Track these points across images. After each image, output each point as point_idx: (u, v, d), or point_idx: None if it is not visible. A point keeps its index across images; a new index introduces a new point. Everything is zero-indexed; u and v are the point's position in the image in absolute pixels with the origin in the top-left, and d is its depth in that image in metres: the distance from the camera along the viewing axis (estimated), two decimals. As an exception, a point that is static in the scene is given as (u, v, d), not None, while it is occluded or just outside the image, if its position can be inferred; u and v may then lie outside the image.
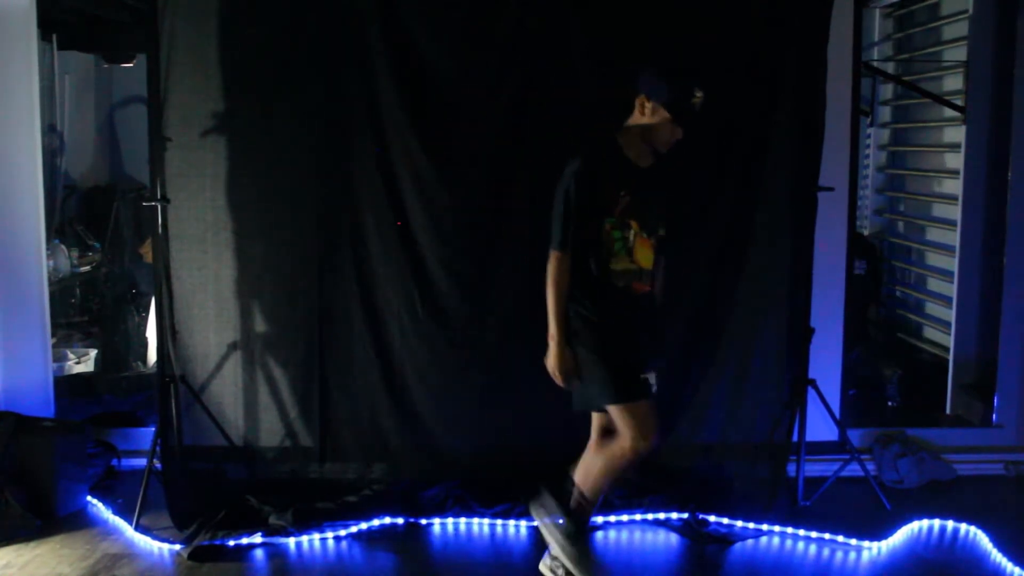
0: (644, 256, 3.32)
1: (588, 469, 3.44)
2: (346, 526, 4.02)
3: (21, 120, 4.49)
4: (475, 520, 4.13)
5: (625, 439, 3.29)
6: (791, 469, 4.34)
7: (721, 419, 4.39)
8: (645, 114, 3.30)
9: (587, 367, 3.34)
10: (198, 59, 4.16)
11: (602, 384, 3.31)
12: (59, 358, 5.64)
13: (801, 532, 4.03)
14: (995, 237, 5.02)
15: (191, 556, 3.80)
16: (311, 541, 3.96)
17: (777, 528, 4.05)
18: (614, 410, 3.32)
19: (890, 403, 5.49)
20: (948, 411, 5.24)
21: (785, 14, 4.18)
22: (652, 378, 3.37)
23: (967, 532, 4.07)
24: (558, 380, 3.37)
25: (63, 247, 6.04)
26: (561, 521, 3.44)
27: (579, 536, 3.44)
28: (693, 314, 4.36)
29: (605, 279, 3.29)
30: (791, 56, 4.20)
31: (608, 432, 3.43)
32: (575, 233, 3.25)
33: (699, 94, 3.25)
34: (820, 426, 4.37)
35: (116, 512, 4.19)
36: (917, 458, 4.57)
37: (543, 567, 3.54)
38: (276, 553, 3.89)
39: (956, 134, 5.40)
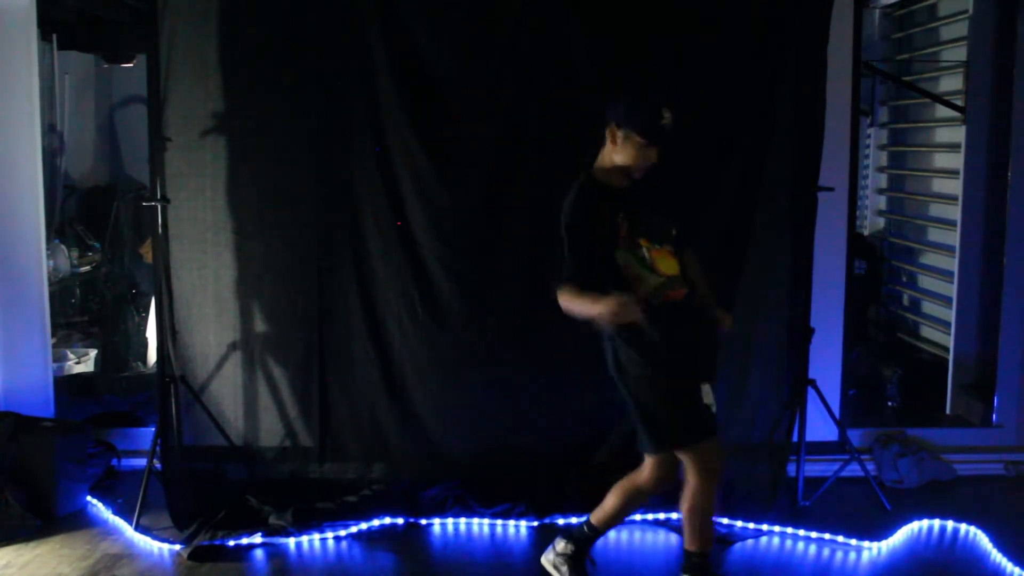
0: (667, 264, 3.26)
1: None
2: (346, 526, 4.02)
3: (21, 120, 4.50)
4: (475, 520, 4.13)
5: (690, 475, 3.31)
6: (791, 469, 4.34)
7: (721, 419, 4.33)
8: (617, 143, 3.25)
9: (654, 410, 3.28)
10: (198, 59, 4.17)
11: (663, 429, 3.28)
12: (59, 358, 5.64)
13: (801, 532, 4.03)
14: (995, 237, 5.02)
15: (191, 556, 3.80)
16: (311, 541, 3.96)
17: (777, 528, 4.05)
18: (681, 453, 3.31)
19: (890, 403, 5.49)
20: (948, 411, 5.24)
21: (785, 14, 4.18)
22: (709, 393, 3.30)
23: (967, 532, 4.07)
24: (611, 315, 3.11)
25: (63, 247, 6.04)
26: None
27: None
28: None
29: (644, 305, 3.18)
30: (791, 56, 4.20)
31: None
32: (588, 275, 3.16)
33: (667, 115, 3.19)
34: (820, 426, 4.37)
35: (116, 512, 4.19)
36: (917, 458, 4.56)
37: (545, 561, 3.55)
38: (276, 553, 3.89)
39: (956, 134, 5.40)
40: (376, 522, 4.06)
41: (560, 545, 3.52)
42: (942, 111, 5.64)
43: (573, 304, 3.14)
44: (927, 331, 6.10)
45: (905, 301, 6.47)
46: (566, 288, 3.15)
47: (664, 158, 3.32)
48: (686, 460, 3.28)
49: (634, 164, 3.23)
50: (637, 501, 3.46)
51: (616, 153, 3.26)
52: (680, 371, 3.25)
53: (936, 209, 6.00)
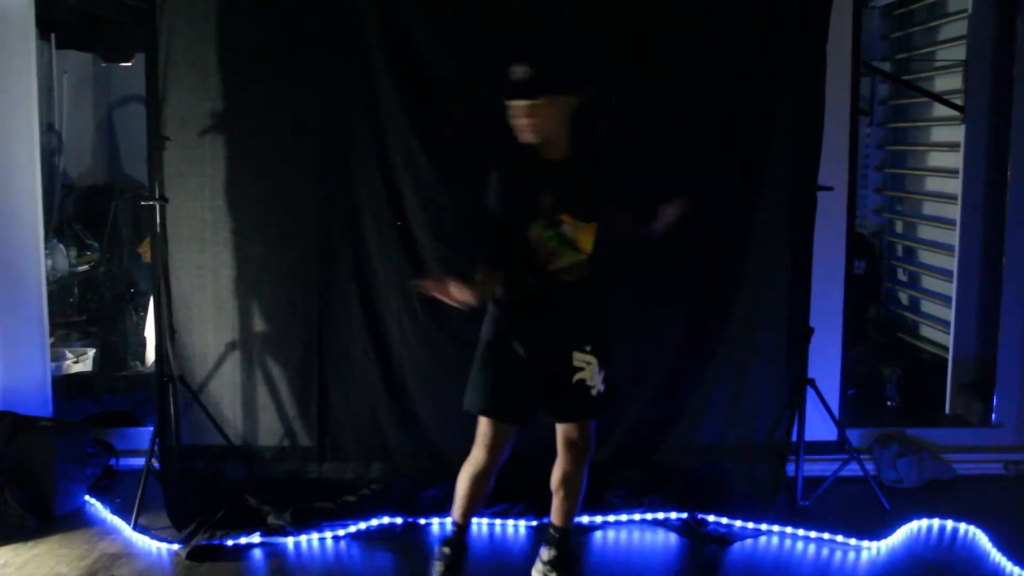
0: (587, 241, 3.25)
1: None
2: (345, 526, 4.02)
3: (19, 119, 4.49)
4: (473, 520, 4.11)
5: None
6: (790, 469, 4.34)
7: (720, 419, 4.39)
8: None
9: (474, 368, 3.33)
10: (197, 58, 4.16)
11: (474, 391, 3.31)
12: (57, 357, 5.63)
13: (800, 532, 4.03)
14: (994, 236, 5.02)
15: (189, 556, 3.80)
16: (310, 541, 3.96)
17: (776, 528, 4.05)
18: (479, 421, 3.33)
19: (889, 403, 5.49)
20: (947, 411, 5.24)
21: (785, 13, 4.18)
22: (591, 365, 3.27)
23: (966, 532, 4.07)
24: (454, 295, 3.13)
25: (61, 246, 6.03)
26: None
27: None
28: (692, 314, 4.36)
29: (549, 280, 3.22)
30: (790, 55, 4.20)
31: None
32: (504, 248, 3.18)
33: (519, 69, 3.14)
34: (819, 426, 4.37)
35: (114, 512, 4.18)
36: (916, 458, 4.56)
37: (536, 573, 3.56)
38: (275, 553, 3.89)
39: (955, 133, 5.39)
40: (375, 522, 4.06)
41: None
42: (941, 110, 5.64)
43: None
44: (926, 330, 6.10)
45: (904, 300, 6.47)
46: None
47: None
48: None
49: (517, 126, 3.19)
50: (476, 478, 3.39)
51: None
52: (522, 342, 3.25)
53: (935, 208, 6.00)
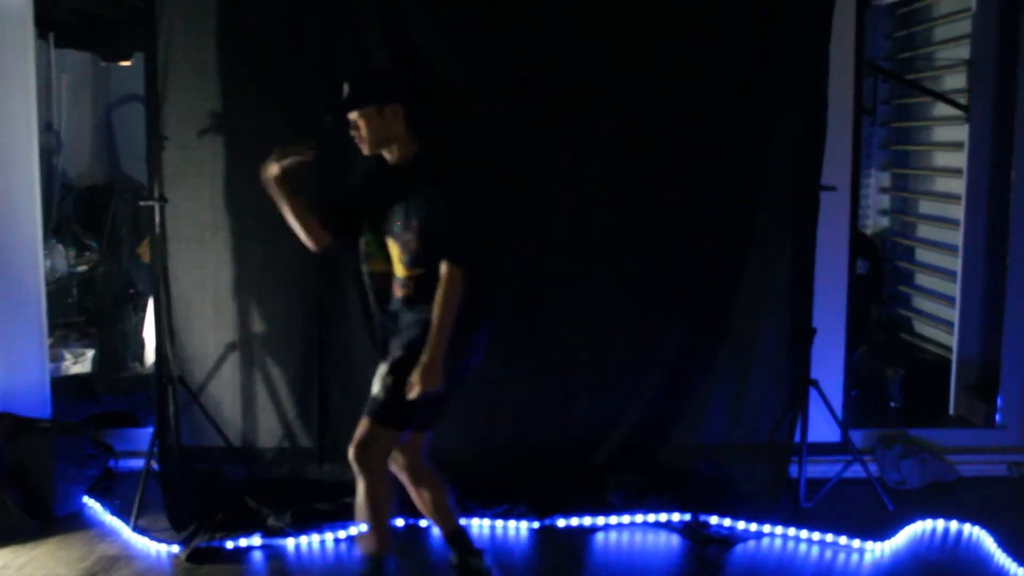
0: (396, 256, 3.24)
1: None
2: (345, 527, 4.00)
3: (18, 119, 4.47)
4: (475, 520, 4.10)
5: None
6: (793, 470, 4.33)
7: (722, 420, 4.38)
8: None
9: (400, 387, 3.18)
10: (196, 58, 4.16)
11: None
12: (56, 358, 5.62)
13: (803, 533, 4.01)
14: (998, 236, 5.01)
15: (189, 557, 3.78)
16: (310, 542, 3.95)
17: (779, 529, 4.03)
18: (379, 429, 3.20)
19: (892, 403, 5.48)
20: (951, 412, 5.23)
21: (787, 13, 4.17)
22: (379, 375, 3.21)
23: (970, 533, 4.05)
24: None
25: (60, 247, 6.02)
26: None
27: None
28: (694, 314, 4.35)
29: (373, 280, 3.32)
30: (793, 55, 4.19)
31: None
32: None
33: (344, 86, 3.22)
34: (822, 427, 4.36)
35: (114, 513, 4.17)
36: (920, 459, 4.55)
37: None
38: (275, 554, 3.87)
39: (959, 132, 5.38)
40: (375, 523, 4.04)
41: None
42: (945, 109, 5.63)
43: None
44: (930, 331, 6.09)
45: (908, 301, 6.45)
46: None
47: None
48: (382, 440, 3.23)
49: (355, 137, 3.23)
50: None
51: None
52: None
53: (939, 208, 5.98)
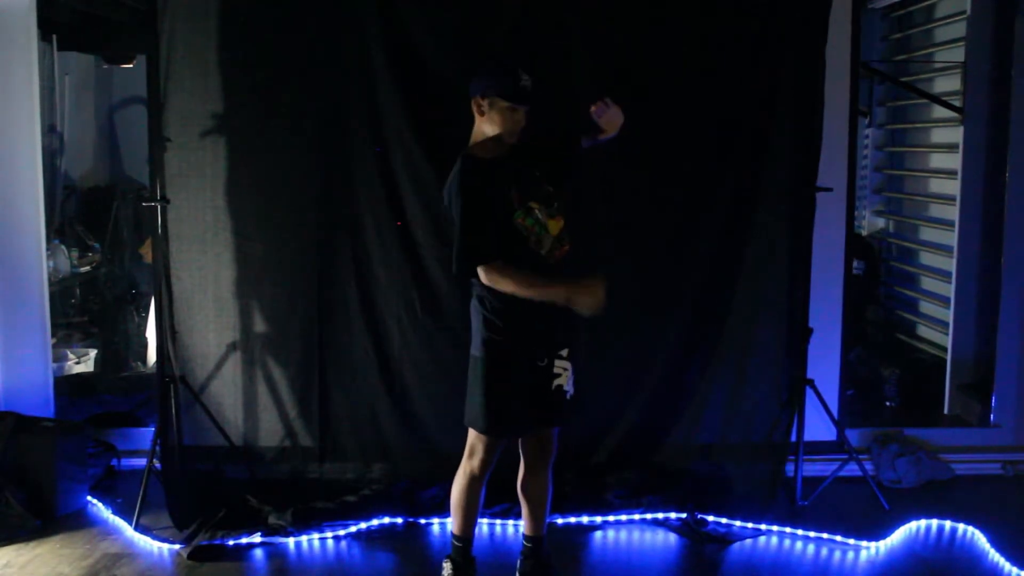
0: (553, 224, 3.22)
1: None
2: (345, 526, 4.03)
3: (21, 121, 4.50)
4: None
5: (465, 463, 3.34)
6: (789, 469, 4.35)
7: (720, 419, 4.40)
8: (484, 113, 3.24)
9: (473, 386, 3.26)
10: (198, 60, 4.17)
11: (478, 410, 3.25)
12: (59, 358, 5.64)
13: (800, 532, 4.04)
14: (993, 237, 5.03)
15: (191, 556, 3.81)
16: (310, 541, 3.97)
17: (776, 528, 4.06)
18: (473, 434, 3.30)
19: (888, 403, 5.49)
20: (946, 411, 5.25)
21: (784, 15, 4.19)
22: (566, 370, 3.27)
23: (965, 532, 4.08)
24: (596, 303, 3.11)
25: (63, 247, 6.05)
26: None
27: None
28: (691, 314, 4.37)
29: (542, 265, 3.19)
30: (790, 57, 4.22)
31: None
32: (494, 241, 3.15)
33: (526, 77, 3.20)
34: (818, 426, 4.38)
35: (116, 512, 4.19)
36: (915, 458, 4.57)
37: None
38: (275, 553, 3.90)
39: (954, 134, 5.40)
40: (375, 522, 4.07)
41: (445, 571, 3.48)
42: (940, 112, 5.65)
43: (523, 288, 3.10)
44: (925, 331, 6.11)
45: (903, 301, 6.47)
46: (494, 266, 3.11)
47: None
48: (474, 446, 3.30)
49: (504, 130, 3.21)
50: (474, 489, 3.37)
51: (485, 124, 3.25)
52: (522, 352, 3.24)
53: (934, 209, 6.01)
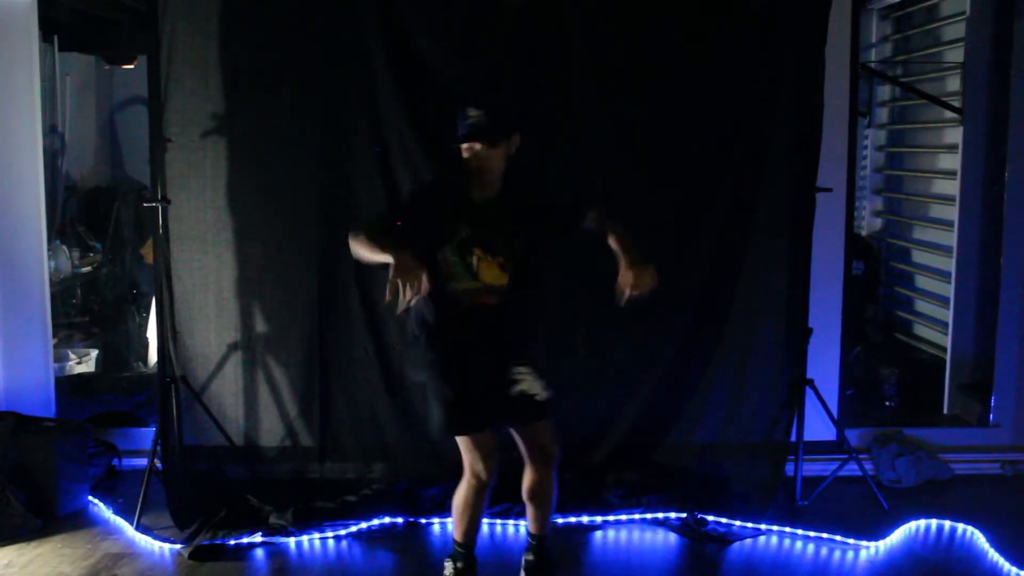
0: (492, 275, 3.22)
1: None
2: (346, 525, 4.04)
3: (22, 121, 4.50)
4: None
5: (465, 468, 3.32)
6: (789, 469, 4.36)
7: (719, 419, 4.40)
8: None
9: (432, 395, 3.31)
10: (199, 60, 4.18)
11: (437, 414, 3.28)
12: (60, 358, 5.65)
13: (799, 531, 4.04)
14: (992, 237, 5.04)
15: (192, 555, 3.81)
16: (311, 540, 3.97)
17: (775, 527, 4.06)
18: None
19: (888, 403, 5.50)
20: (945, 411, 5.26)
21: (783, 16, 4.19)
22: (528, 376, 3.27)
23: (964, 531, 4.08)
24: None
25: (64, 248, 6.06)
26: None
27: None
28: (692, 314, 4.38)
29: (449, 297, 3.22)
30: (789, 57, 4.22)
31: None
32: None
33: (473, 113, 3.14)
34: (818, 426, 4.39)
35: (117, 512, 4.20)
36: (914, 458, 4.58)
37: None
38: (276, 552, 3.90)
39: (953, 135, 5.41)
40: (376, 521, 4.08)
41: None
42: (940, 112, 5.65)
43: (363, 248, 3.16)
44: (925, 331, 6.12)
45: (903, 301, 6.48)
46: (361, 231, 3.16)
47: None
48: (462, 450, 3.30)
49: (470, 165, 3.18)
50: (474, 496, 3.34)
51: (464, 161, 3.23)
52: (460, 359, 3.25)
53: (934, 210, 6.01)
